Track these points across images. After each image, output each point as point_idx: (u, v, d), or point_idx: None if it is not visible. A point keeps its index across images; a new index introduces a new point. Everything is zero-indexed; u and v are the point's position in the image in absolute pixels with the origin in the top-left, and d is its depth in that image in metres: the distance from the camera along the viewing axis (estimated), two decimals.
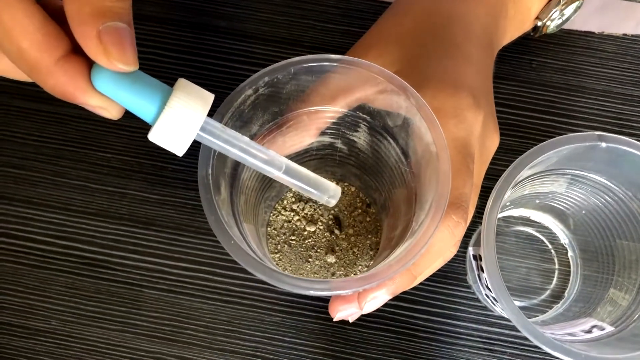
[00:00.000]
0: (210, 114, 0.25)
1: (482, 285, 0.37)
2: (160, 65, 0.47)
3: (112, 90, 0.22)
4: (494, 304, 0.38)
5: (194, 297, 0.42)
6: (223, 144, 0.25)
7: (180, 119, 0.23)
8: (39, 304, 0.42)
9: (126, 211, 0.44)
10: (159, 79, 0.24)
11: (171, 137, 0.23)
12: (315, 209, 0.39)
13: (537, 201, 0.42)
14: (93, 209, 0.44)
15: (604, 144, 0.34)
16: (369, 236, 0.38)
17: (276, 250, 0.38)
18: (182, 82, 0.24)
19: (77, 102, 0.23)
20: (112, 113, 0.24)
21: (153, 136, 0.23)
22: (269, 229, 0.38)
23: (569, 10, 0.42)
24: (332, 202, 0.29)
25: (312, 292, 0.25)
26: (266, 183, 0.35)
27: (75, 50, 0.22)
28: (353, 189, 0.40)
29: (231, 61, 0.47)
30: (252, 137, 0.31)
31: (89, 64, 0.22)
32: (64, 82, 0.22)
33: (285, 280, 0.25)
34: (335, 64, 0.29)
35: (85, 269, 0.42)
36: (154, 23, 0.48)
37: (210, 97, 0.24)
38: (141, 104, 0.23)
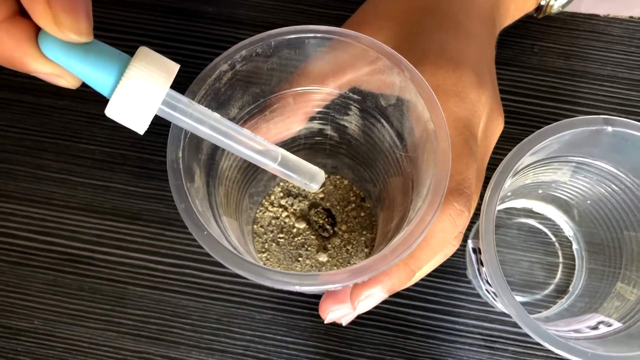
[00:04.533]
0: (182, 93, 0.23)
1: (482, 280, 0.36)
2: None
3: (62, 58, 0.20)
4: (494, 300, 0.37)
5: (181, 294, 0.40)
6: (190, 121, 0.23)
7: (139, 91, 0.21)
8: (20, 302, 0.40)
9: (110, 205, 0.42)
10: None
11: (129, 112, 0.21)
12: (305, 204, 0.37)
13: (540, 191, 0.40)
14: (75, 203, 0.42)
15: (610, 128, 0.32)
16: (364, 232, 0.36)
17: (263, 250, 0.36)
18: (142, 50, 0.22)
19: (26, 70, 0.21)
20: (69, 81, 0.22)
21: (110, 111, 0.21)
22: (255, 226, 0.36)
23: None
24: (315, 188, 0.27)
25: (297, 288, 0.23)
26: (250, 176, 0.33)
27: (23, 12, 0.20)
28: (346, 181, 0.38)
29: (219, 48, 0.45)
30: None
31: (38, 27, 0.20)
32: (9, 47, 0.20)
33: (267, 274, 0.23)
34: (320, 34, 0.27)
35: (67, 266, 0.41)
36: (138, 9, 0.46)
37: (174, 67, 0.22)
38: (96, 75, 0.21)
